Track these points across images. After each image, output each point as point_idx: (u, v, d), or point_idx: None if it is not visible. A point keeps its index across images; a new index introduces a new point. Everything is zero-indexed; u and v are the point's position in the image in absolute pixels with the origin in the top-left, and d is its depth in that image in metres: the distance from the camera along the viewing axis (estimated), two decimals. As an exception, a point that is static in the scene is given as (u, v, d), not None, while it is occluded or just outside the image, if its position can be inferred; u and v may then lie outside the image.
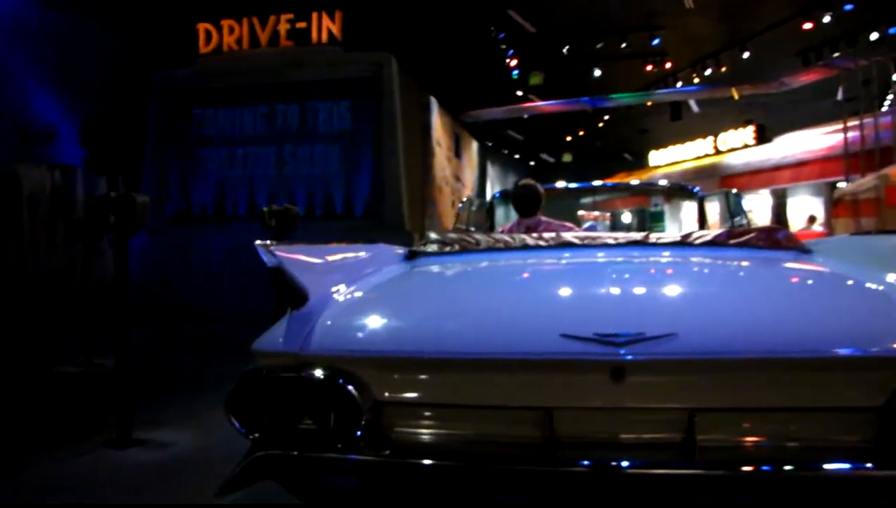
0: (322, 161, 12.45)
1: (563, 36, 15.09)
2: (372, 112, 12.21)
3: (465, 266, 2.63)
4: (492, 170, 23.99)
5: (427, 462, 1.63)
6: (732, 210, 4.47)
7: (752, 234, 2.64)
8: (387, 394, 1.72)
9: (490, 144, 23.20)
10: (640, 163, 23.71)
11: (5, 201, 10.46)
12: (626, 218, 21.20)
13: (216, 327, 9.43)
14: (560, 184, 5.92)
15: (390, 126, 12.07)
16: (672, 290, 2.14)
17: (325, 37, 12.35)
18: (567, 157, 26.91)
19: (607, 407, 1.63)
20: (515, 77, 17.19)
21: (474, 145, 20.58)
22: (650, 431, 1.63)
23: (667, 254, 2.61)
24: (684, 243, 2.65)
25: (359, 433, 1.66)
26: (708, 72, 16.52)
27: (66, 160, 11.73)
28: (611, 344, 1.57)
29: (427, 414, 1.75)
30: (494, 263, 2.63)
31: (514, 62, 16.49)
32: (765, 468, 1.51)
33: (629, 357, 1.56)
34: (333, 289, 2.05)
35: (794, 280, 2.31)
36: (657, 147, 22.14)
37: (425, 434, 1.74)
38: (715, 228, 4.54)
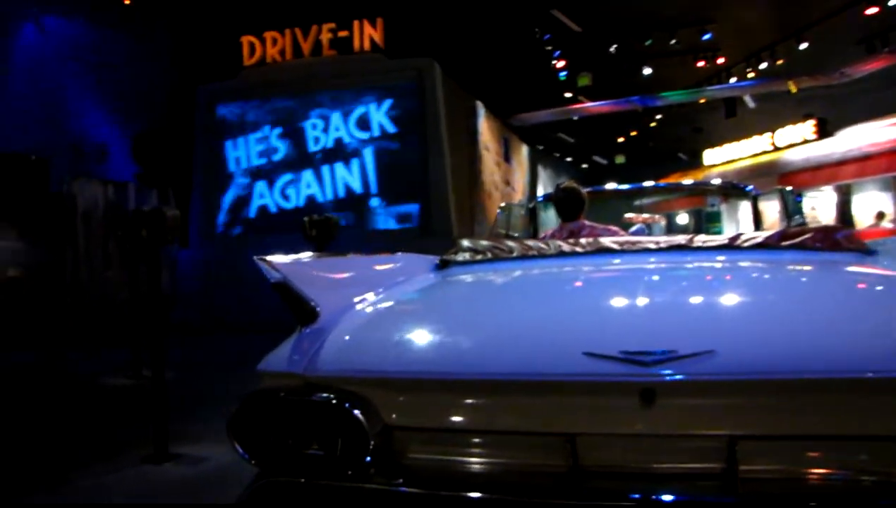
0: (367, 169, 12.42)
1: (610, 35, 14.78)
2: (416, 118, 12.13)
3: (491, 276, 2.48)
4: (543, 174, 23.74)
5: (442, 493, 1.47)
6: (790, 208, 4.18)
7: (807, 235, 2.39)
8: (397, 418, 1.57)
9: (541, 148, 22.94)
10: (695, 163, 23.09)
11: (61, 216, 10.71)
12: (682, 219, 20.65)
13: (262, 338, 9.44)
14: (609, 185, 5.69)
15: (435, 132, 11.97)
16: (711, 301, 1.91)
17: (367, 44, 12.35)
18: (620, 159, 26.44)
19: (637, 434, 1.44)
20: (563, 78, 16.93)
21: (524, 149, 20.37)
22: (686, 460, 1.43)
23: (711, 259, 2.40)
24: (731, 246, 2.42)
25: (368, 458, 1.52)
26: (763, 65, 15.94)
27: (119, 176, 12.00)
28: (639, 364, 1.39)
29: (441, 439, 1.59)
30: (522, 273, 2.46)
31: (561, 63, 16.23)
32: (816, 504, 1.32)
33: (659, 378, 1.38)
34: (347, 305, 1.93)
35: (855, 286, 2.06)
36: (712, 145, 21.52)
37: (440, 461, 1.58)
38: (773, 229, 4.25)
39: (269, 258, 1.91)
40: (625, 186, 5.36)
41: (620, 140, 23.16)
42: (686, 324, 1.63)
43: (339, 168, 12.56)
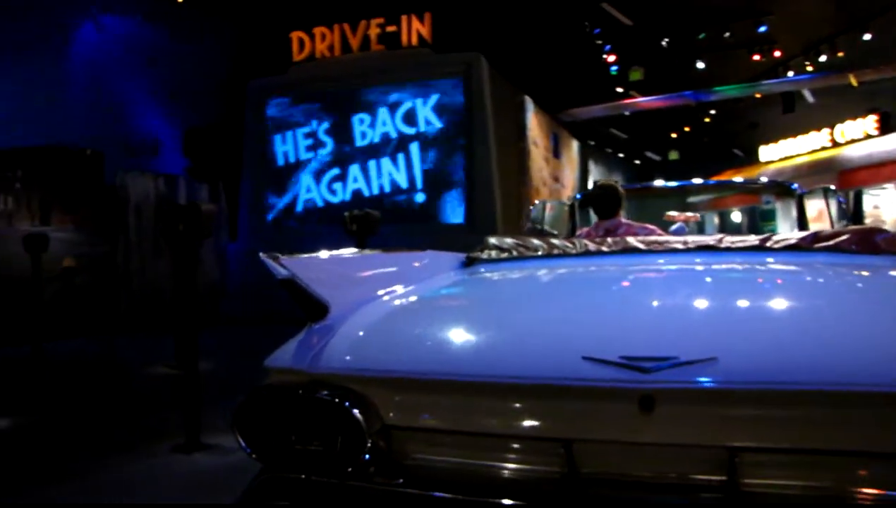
0: (413, 164, 12.44)
1: (661, 28, 14.47)
2: (462, 113, 12.09)
3: (508, 276, 2.44)
4: (595, 170, 23.45)
5: (437, 495, 1.46)
6: (831, 208, 4.02)
7: (843, 237, 2.28)
8: (396, 418, 1.56)
9: (592, 143, 22.66)
10: (751, 160, 22.49)
11: (114, 208, 11.03)
12: (736, 217, 20.20)
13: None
14: (658, 182, 5.57)
15: (481, 127, 11.91)
16: (722, 305, 1.82)
17: (414, 39, 12.35)
18: (674, 155, 25.92)
19: (636, 442, 1.38)
20: (614, 73, 16.67)
21: (574, 145, 20.14)
22: (685, 471, 1.37)
23: (737, 260, 2.31)
24: (761, 248, 2.34)
25: (367, 456, 1.51)
26: (823, 58, 15.41)
27: (171, 170, 12.28)
28: (638, 370, 1.34)
29: (441, 441, 1.56)
30: (539, 273, 2.43)
31: (611, 58, 15.98)
32: None
33: (658, 385, 1.32)
34: (359, 302, 1.92)
35: (882, 292, 1.92)
36: (768, 141, 20.92)
37: (440, 462, 1.56)
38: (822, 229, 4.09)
39: (274, 255, 1.90)
40: (664, 184, 5.24)
41: (673, 136, 22.68)
42: (691, 330, 1.56)
43: (386, 163, 12.60)
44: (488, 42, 12.46)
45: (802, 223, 4.29)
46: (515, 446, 1.49)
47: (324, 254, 2.25)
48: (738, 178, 15.34)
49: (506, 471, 1.49)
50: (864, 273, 2.11)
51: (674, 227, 5.40)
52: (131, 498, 3.36)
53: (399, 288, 2.15)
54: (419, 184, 12.44)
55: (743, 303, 1.83)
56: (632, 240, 2.61)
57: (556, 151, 17.40)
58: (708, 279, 2.20)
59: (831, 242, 2.27)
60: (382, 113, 12.60)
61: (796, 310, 1.72)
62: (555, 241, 2.76)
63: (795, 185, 4.54)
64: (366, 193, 12.66)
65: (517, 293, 2.26)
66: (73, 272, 10.01)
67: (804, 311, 1.71)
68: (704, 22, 14.06)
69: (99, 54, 11.43)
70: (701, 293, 1.97)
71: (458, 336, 1.77)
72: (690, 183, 5.55)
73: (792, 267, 2.22)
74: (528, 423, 1.48)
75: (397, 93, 12.52)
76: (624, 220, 4.06)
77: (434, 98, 12.33)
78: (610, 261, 2.46)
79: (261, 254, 1.92)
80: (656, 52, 15.49)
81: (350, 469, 1.51)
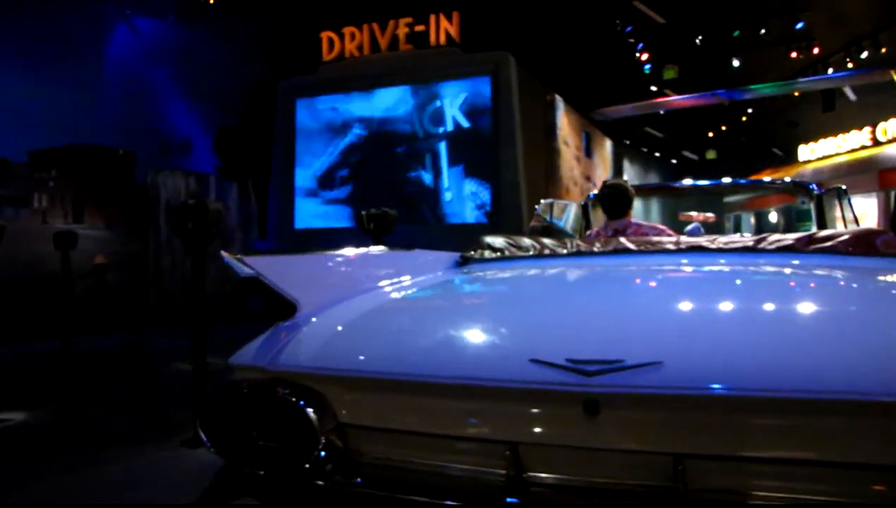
0: (440, 163, 12.43)
1: (695, 26, 14.23)
2: (490, 113, 12.05)
3: (487, 276, 2.43)
4: (630, 170, 23.18)
5: (385, 494, 1.47)
6: (845, 210, 3.91)
7: (840, 238, 2.20)
8: (351, 417, 1.57)
9: (628, 142, 22.41)
10: (790, 159, 22.02)
11: (144, 207, 11.23)
12: (773, 217, 19.82)
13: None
14: (687, 181, 5.51)
15: (508, 126, 11.85)
16: (684, 309, 1.77)
17: (443, 38, 12.34)
18: (711, 154, 25.49)
19: (581, 446, 1.36)
20: (647, 72, 16.45)
21: (608, 144, 19.94)
22: (630, 476, 1.33)
23: (723, 262, 2.26)
24: (754, 249, 2.28)
25: (322, 454, 1.52)
26: (864, 55, 14.99)
27: (202, 169, 12.46)
28: (580, 373, 1.31)
29: (395, 440, 1.55)
30: (518, 274, 2.41)
31: (644, 56, 15.77)
32: None
33: (601, 388, 1.29)
34: (329, 302, 1.92)
35: (863, 296, 1.84)
36: (807, 141, 20.44)
37: (395, 463, 1.55)
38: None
39: (235, 254, 1.90)
40: (677, 183, 5.16)
41: (710, 135, 22.30)
42: (643, 333, 1.52)
43: (414, 162, 12.62)
44: (517, 41, 12.39)
45: (822, 224, 4.18)
46: (464, 448, 1.47)
47: (299, 255, 2.27)
48: (766, 178, 14.98)
49: (456, 473, 1.47)
50: (851, 275, 2.03)
51: (689, 227, 5.30)
52: (133, 492, 3.41)
53: (385, 285, 2.17)
54: (447, 182, 12.43)
55: (704, 307, 1.78)
56: (624, 240, 2.57)
57: (587, 150, 17.24)
58: (683, 281, 2.16)
59: (827, 244, 2.20)
60: (410, 112, 12.62)
61: (757, 314, 1.66)
62: (546, 241, 2.74)
63: (813, 185, 4.45)
64: (392, 192, 12.68)
65: (485, 295, 2.25)
66: (105, 269, 10.22)
67: (765, 315, 1.65)
68: (740, 19, 13.78)
69: (132, 56, 11.66)
70: (667, 296, 1.93)
71: (413, 336, 1.76)
72: (709, 183, 5.43)
73: (776, 269, 2.15)
74: (475, 425, 1.47)
75: (425, 93, 12.52)
76: (634, 220, 4.00)
77: (462, 97, 12.30)
78: (598, 262, 2.44)
79: (222, 253, 1.92)
80: (691, 50, 15.24)
81: (307, 466, 1.51)
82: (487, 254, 2.63)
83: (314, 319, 1.80)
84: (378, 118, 12.81)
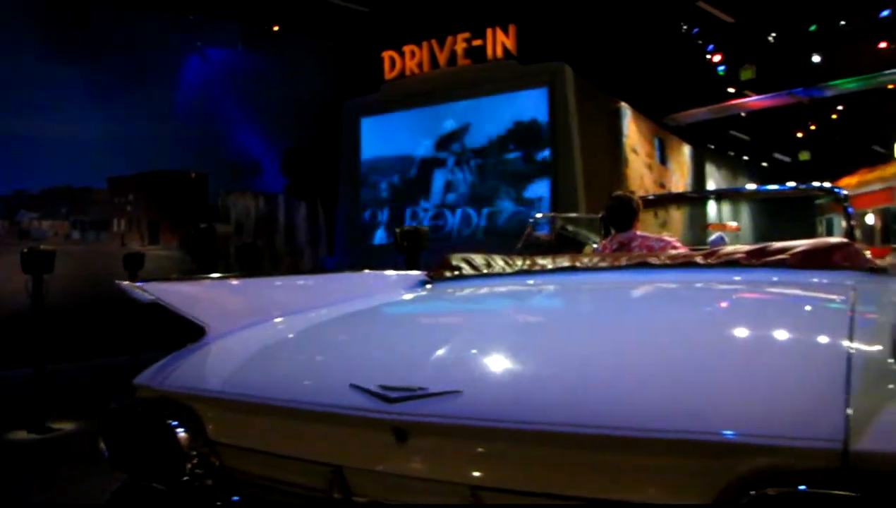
0: (500, 177, 12.45)
1: (767, 23, 13.65)
2: (548, 124, 11.98)
3: (409, 299, 2.48)
4: (717, 175, 22.41)
5: None
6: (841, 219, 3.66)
7: (794, 250, 2.07)
8: (218, 436, 1.67)
9: (713, 147, 21.68)
10: (892, 156, 20.64)
11: (215, 228, 11.80)
12: (870, 219, 18.60)
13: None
14: (716, 185, 5.34)
15: (565, 137, 11.75)
16: (522, 335, 1.74)
17: (499, 52, 12.39)
18: (804, 155, 24.23)
19: (395, 473, 1.38)
20: (722, 73, 15.88)
21: (686, 149, 19.36)
22: (440, 505, 1.35)
23: (658, 279, 2.22)
24: (697, 264, 2.20)
25: (196, 470, 1.62)
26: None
27: (271, 189, 12.98)
28: (385, 399, 1.34)
29: (255, 459, 1.63)
30: (436, 295, 2.47)
31: (717, 57, 15.25)
32: None
33: (401, 416, 1.32)
34: (240, 326, 2.01)
35: (764, 318, 1.72)
36: (907, 136, 19.14)
37: (258, 481, 1.63)
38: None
39: (136, 283, 1.99)
40: (690, 193, 5.01)
41: (799, 135, 21.24)
42: (459, 359, 1.51)
43: (474, 176, 12.69)
44: (576, 50, 12.26)
45: (850, 231, 3.90)
46: (303, 469, 1.52)
47: (217, 277, 2.38)
48: (791, 184, 14.05)
49: (299, 494, 1.53)
50: (772, 293, 1.95)
51: (712, 238, 5.14)
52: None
53: (285, 314, 2.20)
54: (506, 195, 12.43)
55: (543, 333, 1.76)
56: (583, 257, 2.58)
57: (661, 157, 16.81)
58: (568, 305, 2.15)
59: (777, 257, 2.08)
60: (469, 126, 12.71)
61: (590, 343, 1.58)
62: (498, 259, 2.74)
63: (841, 190, 4.18)
64: (450, 208, 12.80)
65: (368, 320, 2.24)
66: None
67: (597, 344, 1.57)
68: (814, 13, 13.12)
69: (204, 84, 12.30)
70: (526, 321, 1.93)
71: (275, 361, 1.81)
72: (724, 190, 5.24)
73: (690, 287, 2.10)
74: (307, 448, 1.51)
75: (484, 107, 12.59)
76: (639, 233, 3.90)
77: (520, 109, 12.29)
78: (539, 279, 2.45)
79: (117, 282, 2.05)
80: (766, 49, 14.61)
81: (185, 480, 1.61)
82: (448, 273, 2.65)
83: (210, 343, 1.91)
84: (437, 133, 12.97)
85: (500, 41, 12.37)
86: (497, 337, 1.73)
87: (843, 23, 13.18)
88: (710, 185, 21.31)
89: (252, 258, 10.43)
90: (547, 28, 12.35)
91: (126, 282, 2.01)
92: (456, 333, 1.78)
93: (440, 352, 1.55)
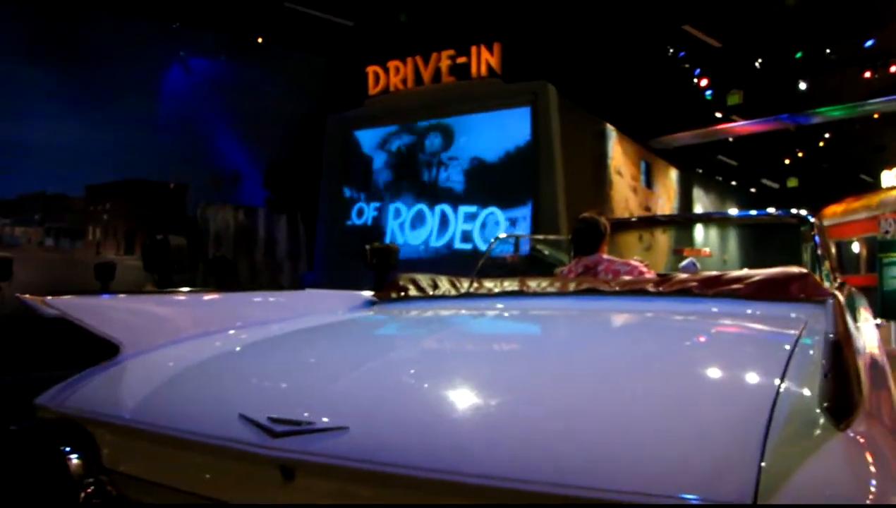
0: (480, 195, 12.39)
1: (754, 49, 13.69)
2: (530, 143, 11.95)
3: (327, 323, 2.36)
4: (705, 199, 22.42)
5: None
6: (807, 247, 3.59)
7: (752, 280, 1.98)
8: (111, 462, 1.58)
9: (701, 171, 21.70)
10: (878, 185, 20.72)
11: (194, 239, 11.68)
12: (855, 247, 18.62)
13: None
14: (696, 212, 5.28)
15: (548, 156, 11.72)
16: (433, 371, 1.61)
17: (484, 70, 12.38)
18: (792, 182, 24.27)
19: None
20: (709, 98, 15.91)
21: (672, 173, 19.37)
22: None
23: (595, 308, 2.15)
24: (649, 292, 2.11)
25: (89, 494, 1.55)
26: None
27: (252, 202, 12.89)
28: (269, 433, 1.23)
29: (152, 492, 1.53)
30: (365, 320, 2.41)
31: (704, 82, 15.27)
32: None
33: (283, 452, 1.21)
34: (156, 346, 1.91)
35: (691, 355, 1.64)
36: (893, 165, 19.19)
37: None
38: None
39: (40, 296, 1.91)
40: (660, 216, 4.94)
41: (787, 161, 21.30)
42: (351, 392, 1.41)
43: (457, 193, 12.64)
44: (562, 71, 12.26)
45: (816, 259, 3.82)
46: (195, 505, 1.43)
47: (140, 295, 2.27)
48: (753, 211, 13.98)
49: None
50: (713, 328, 1.88)
51: (684, 263, 5.07)
52: None
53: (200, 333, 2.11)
54: (488, 214, 12.37)
55: (448, 367, 1.65)
56: (531, 281, 2.46)
57: (648, 180, 16.80)
58: (499, 336, 2.08)
59: (731, 287, 1.98)
60: (454, 143, 12.68)
61: (505, 384, 1.45)
62: (444, 281, 2.66)
63: (812, 218, 4.09)
64: (434, 226, 12.73)
65: (283, 344, 2.12)
66: (150, 298, 10.65)
67: (515, 387, 1.43)
68: (800, 41, 13.17)
69: (187, 94, 12.25)
70: (442, 353, 1.81)
71: (178, 385, 1.71)
72: (687, 215, 5.18)
73: (628, 320, 2.03)
74: (197, 482, 1.41)
75: (468, 124, 12.56)
76: (605, 256, 3.81)
77: (503, 127, 12.26)
78: (480, 303, 2.38)
79: (17, 295, 1.95)
80: (753, 74, 14.65)
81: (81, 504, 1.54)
82: (394, 294, 2.59)
83: (120, 363, 1.81)
84: (420, 149, 12.93)
85: (484, 59, 12.37)
86: (404, 368, 1.63)
87: (828, 51, 13.23)
88: (698, 210, 21.32)
89: (223, 271, 10.31)
90: (532, 47, 12.35)
91: (27, 296, 1.92)
92: (363, 362, 1.67)
93: (337, 383, 1.46)
